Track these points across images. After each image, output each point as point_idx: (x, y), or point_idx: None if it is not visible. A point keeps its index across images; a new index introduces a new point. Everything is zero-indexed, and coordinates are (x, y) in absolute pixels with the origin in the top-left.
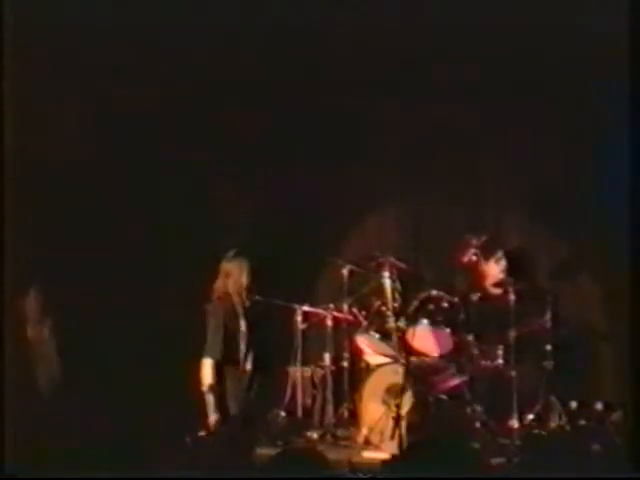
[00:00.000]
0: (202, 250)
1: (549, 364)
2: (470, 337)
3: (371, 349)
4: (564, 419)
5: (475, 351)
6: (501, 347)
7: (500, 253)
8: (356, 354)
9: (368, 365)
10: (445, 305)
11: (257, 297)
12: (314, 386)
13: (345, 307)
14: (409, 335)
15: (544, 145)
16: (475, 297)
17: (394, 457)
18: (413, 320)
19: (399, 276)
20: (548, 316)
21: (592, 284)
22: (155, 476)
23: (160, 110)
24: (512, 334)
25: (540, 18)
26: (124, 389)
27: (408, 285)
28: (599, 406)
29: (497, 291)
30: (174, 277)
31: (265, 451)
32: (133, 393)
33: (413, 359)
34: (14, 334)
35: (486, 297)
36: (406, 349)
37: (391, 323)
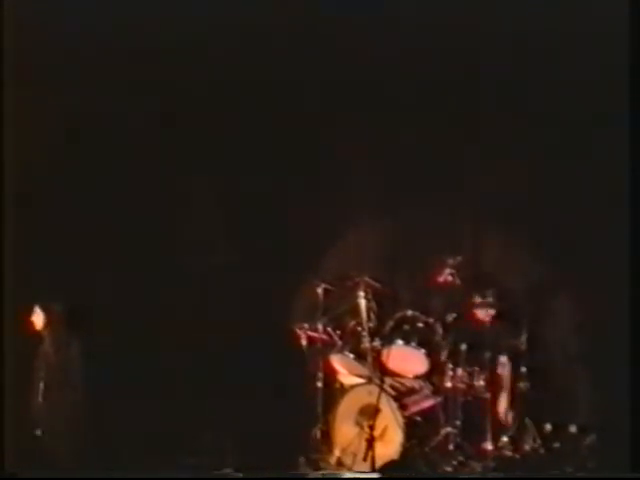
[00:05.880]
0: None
1: (524, 386)
2: (445, 358)
3: (345, 369)
4: (538, 442)
5: (450, 372)
6: (476, 368)
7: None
8: (330, 374)
9: (342, 385)
10: (420, 325)
11: None
12: None
13: (320, 326)
14: (384, 355)
15: (526, 162)
16: (450, 318)
17: None
18: (388, 340)
19: (374, 296)
20: (524, 338)
21: (569, 306)
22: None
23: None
24: (487, 355)
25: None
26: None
27: (383, 305)
28: (573, 429)
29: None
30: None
31: None
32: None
33: (388, 380)
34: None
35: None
36: (381, 369)
37: (366, 343)
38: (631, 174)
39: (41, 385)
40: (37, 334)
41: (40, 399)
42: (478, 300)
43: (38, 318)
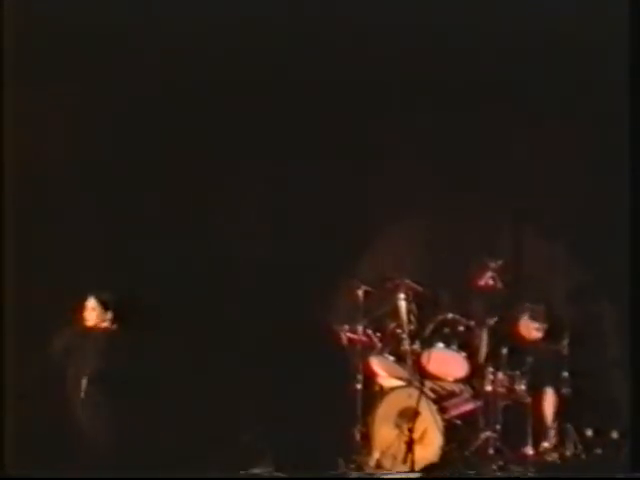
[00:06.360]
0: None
1: (566, 391)
2: (486, 362)
3: (385, 372)
4: (579, 447)
5: (490, 376)
6: (517, 373)
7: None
8: (370, 376)
9: (382, 388)
10: (461, 329)
11: None
12: None
13: (360, 328)
14: (424, 358)
15: (566, 165)
16: (491, 321)
17: None
18: (428, 343)
19: (415, 298)
20: (566, 342)
21: (610, 309)
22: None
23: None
24: (529, 360)
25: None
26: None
27: (424, 307)
28: (615, 435)
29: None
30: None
31: None
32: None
33: (428, 383)
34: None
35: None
36: (420, 372)
37: (406, 346)
38: None
39: (84, 381)
40: (85, 327)
41: (82, 395)
42: (521, 306)
43: (91, 312)
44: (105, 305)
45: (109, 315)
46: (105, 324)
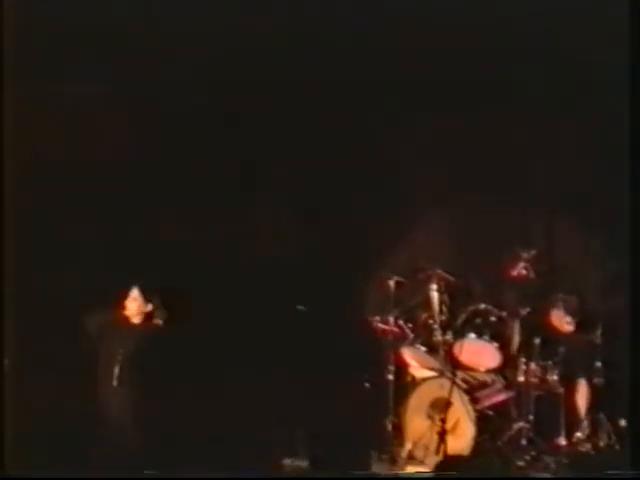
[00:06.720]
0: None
1: (599, 381)
2: (518, 352)
3: (417, 362)
4: (613, 438)
5: (523, 367)
6: (550, 363)
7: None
8: (401, 367)
9: (414, 378)
10: (493, 319)
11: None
12: None
13: (391, 319)
14: (456, 349)
15: (598, 154)
16: (524, 312)
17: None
18: (460, 334)
19: (447, 289)
20: (599, 332)
21: None
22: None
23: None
24: (561, 350)
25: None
26: None
27: (456, 298)
28: None
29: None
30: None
31: None
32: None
33: (460, 373)
34: None
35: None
36: (452, 363)
37: (438, 336)
38: None
39: (116, 369)
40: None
41: (115, 383)
42: (553, 297)
43: (132, 303)
44: (147, 298)
45: (149, 307)
46: (142, 317)
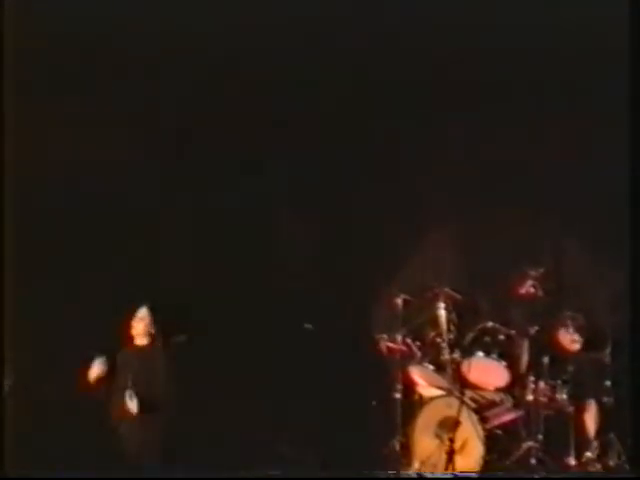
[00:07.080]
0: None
1: (608, 400)
2: (527, 371)
3: (425, 381)
4: (623, 458)
5: (531, 385)
6: (559, 382)
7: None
8: (409, 385)
9: (421, 397)
10: (502, 337)
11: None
12: None
13: (399, 337)
14: (464, 367)
15: (607, 172)
16: (532, 330)
17: None
18: (468, 352)
19: (455, 307)
20: (608, 351)
21: None
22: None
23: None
24: (570, 369)
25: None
26: None
27: (464, 316)
28: None
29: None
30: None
31: None
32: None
33: (468, 392)
34: None
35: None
36: (461, 382)
37: (446, 355)
38: None
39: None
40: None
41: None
42: (561, 315)
43: (138, 324)
44: (155, 318)
45: (154, 329)
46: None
